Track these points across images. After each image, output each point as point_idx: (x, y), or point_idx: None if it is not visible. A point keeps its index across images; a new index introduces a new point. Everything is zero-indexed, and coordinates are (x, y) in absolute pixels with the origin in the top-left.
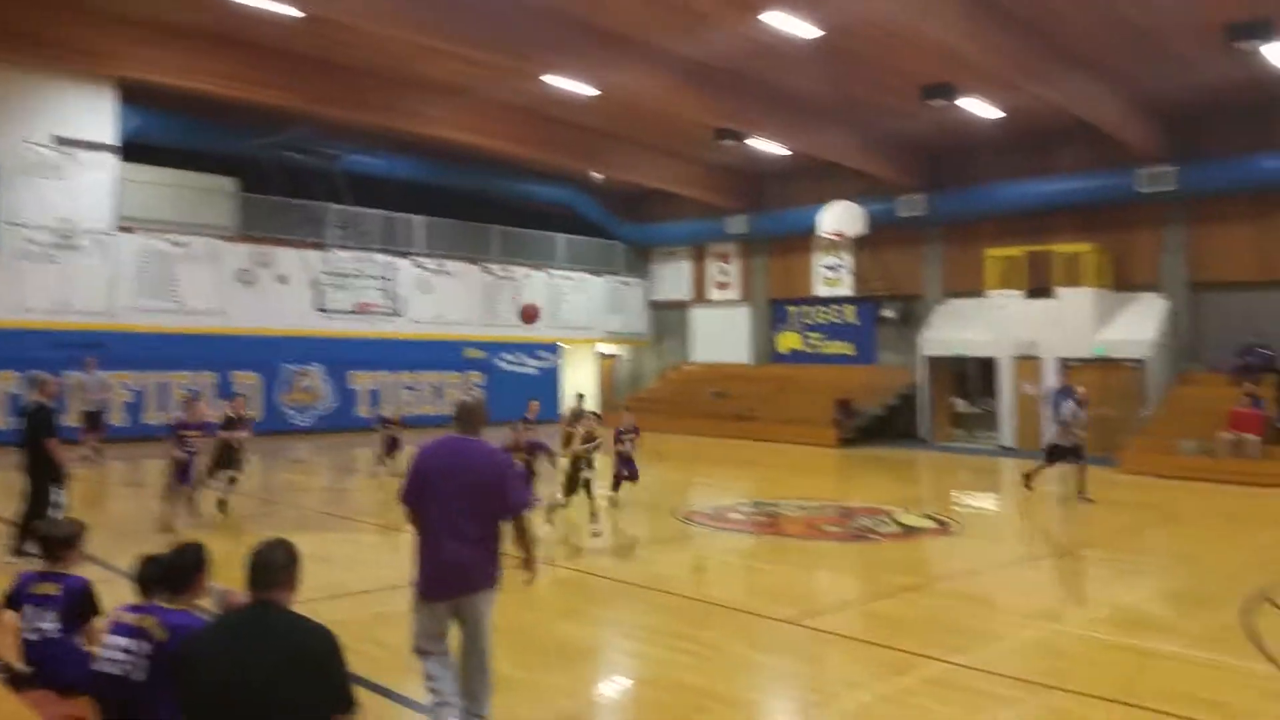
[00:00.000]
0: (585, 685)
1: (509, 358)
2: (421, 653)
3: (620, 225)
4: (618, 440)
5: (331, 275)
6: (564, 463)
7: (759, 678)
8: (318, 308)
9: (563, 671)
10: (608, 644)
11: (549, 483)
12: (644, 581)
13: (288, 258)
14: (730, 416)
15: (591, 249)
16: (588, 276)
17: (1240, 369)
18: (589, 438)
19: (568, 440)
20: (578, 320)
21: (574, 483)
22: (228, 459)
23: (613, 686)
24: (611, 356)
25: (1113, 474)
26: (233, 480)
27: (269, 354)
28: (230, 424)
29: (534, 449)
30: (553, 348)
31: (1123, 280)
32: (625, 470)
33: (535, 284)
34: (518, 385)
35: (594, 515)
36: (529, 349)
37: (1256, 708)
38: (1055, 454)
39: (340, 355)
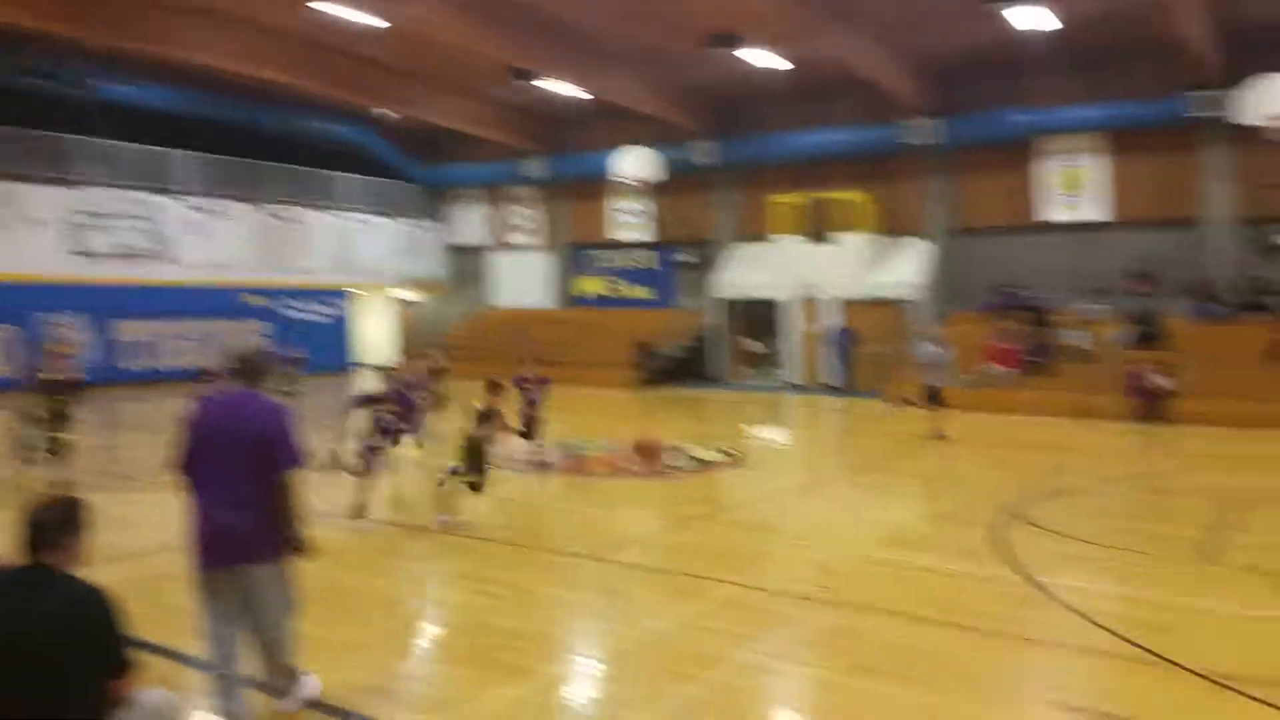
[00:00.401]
0: (387, 636)
1: (294, 305)
2: (207, 625)
3: (414, 166)
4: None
5: (88, 216)
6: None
7: (561, 613)
8: (75, 251)
9: (365, 625)
10: (412, 593)
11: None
12: (448, 529)
13: (35, 196)
14: (534, 361)
15: (384, 190)
16: (380, 219)
17: (995, 308)
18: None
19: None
20: (370, 265)
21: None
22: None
23: (416, 634)
24: (411, 303)
25: (883, 405)
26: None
27: (20, 302)
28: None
29: (402, 400)
30: (342, 294)
31: (894, 226)
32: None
33: (323, 227)
34: (304, 334)
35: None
36: (317, 295)
37: (1005, 612)
38: (934, 396)
39: (104, 303)
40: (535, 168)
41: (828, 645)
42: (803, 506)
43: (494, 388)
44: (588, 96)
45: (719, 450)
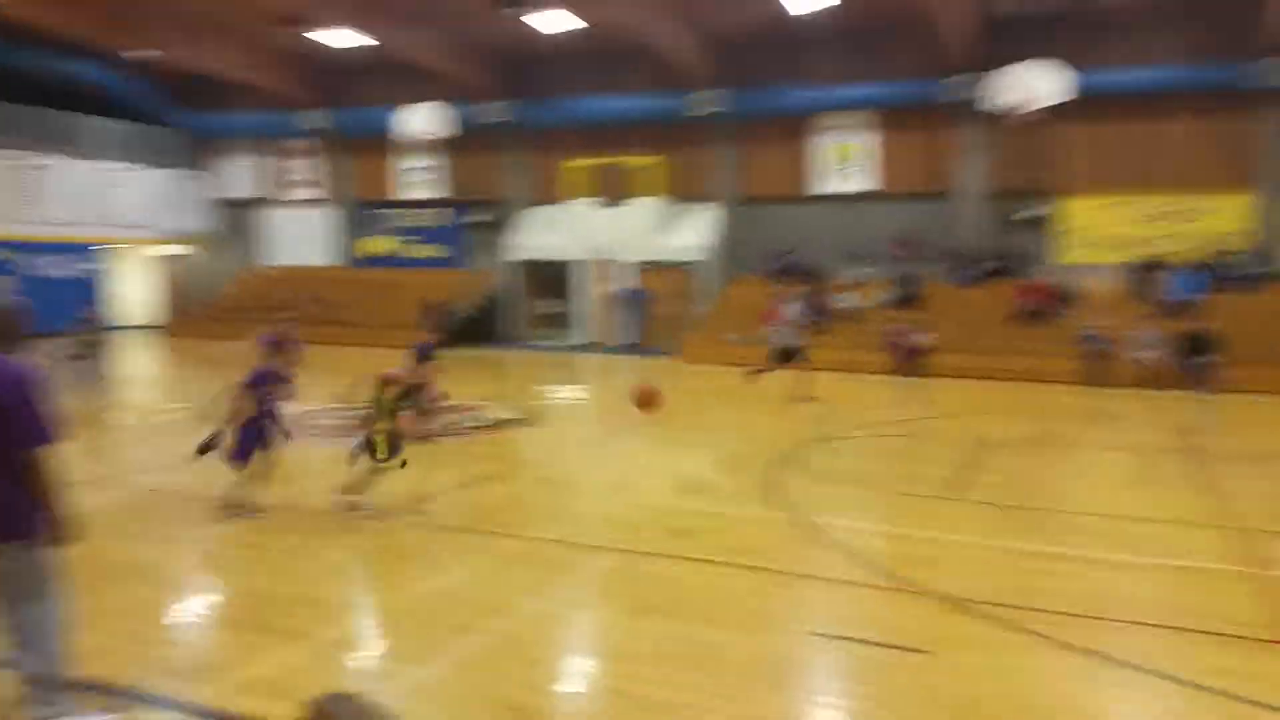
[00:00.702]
0: (148, 604)
1: (42, 260)
2: None
3: (177, 113)
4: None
5: None
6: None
7: (336, 576)
8: None
9: (128, 594)
10: (179, 560)
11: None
12: (352, 512)
13: None
14: (319, 321)
15: (142, 137)
16: (140, 169)
17: (775, 272)
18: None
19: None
20: (128, 218)
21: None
22: None
23: (177, 600)
24: (176, 259)
25: (675, 363)
26: None
27: None
28: None
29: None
30: (96, 248)
31: (683, 192)
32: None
33: (74, 176)
34: (55, 291)
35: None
36: (69, 250)
37: (779, 550)
38: (787, 355)
39: None
40: (314, 120)
41: (612, 589)
42: (595, 461)
43: (421, 355)
44: (374, 43)
45: (513, 410)
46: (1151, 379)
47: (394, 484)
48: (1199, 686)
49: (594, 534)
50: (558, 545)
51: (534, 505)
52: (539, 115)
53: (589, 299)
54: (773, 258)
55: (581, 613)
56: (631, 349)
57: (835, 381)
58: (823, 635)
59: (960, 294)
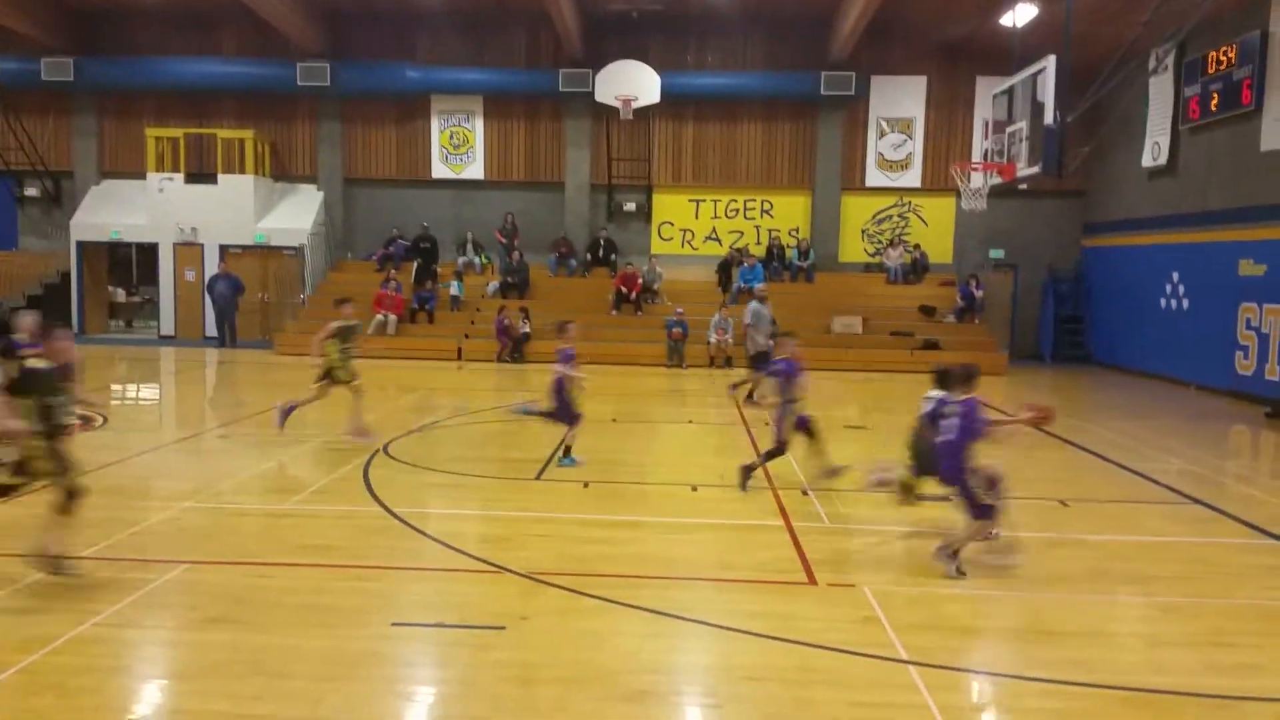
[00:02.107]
0: None
1: None
2: None
3: None
4: None
5: None
6: None
7: None
8: None
9: None
10: None
11: None
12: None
13: None
14: None
15: None
16: None
17: (384, 257)
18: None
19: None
20: None
21: None
22: None
23: None
24: None
25: (270, 355)
26: None
27: None
28: None
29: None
30: None
31: (284, 170)
32: None
33: None
34: None
35: None
36: None
37: (360, 544)
38: (761, 358)
39: None
40: None
41: (174, 604)
42: (166, 464)
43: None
44: None
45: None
46: (722, 359)
47: None
48: (744, 631)
49: (160, 547)
50: (105, 563)
51: (86, 519)
52: (112, 74)
53: (172, 286)
54: (383, 243)
55: (140, 633)
56: (223, 341)
57: (438, 370)
58: (402, 625)
59: (565, 282)
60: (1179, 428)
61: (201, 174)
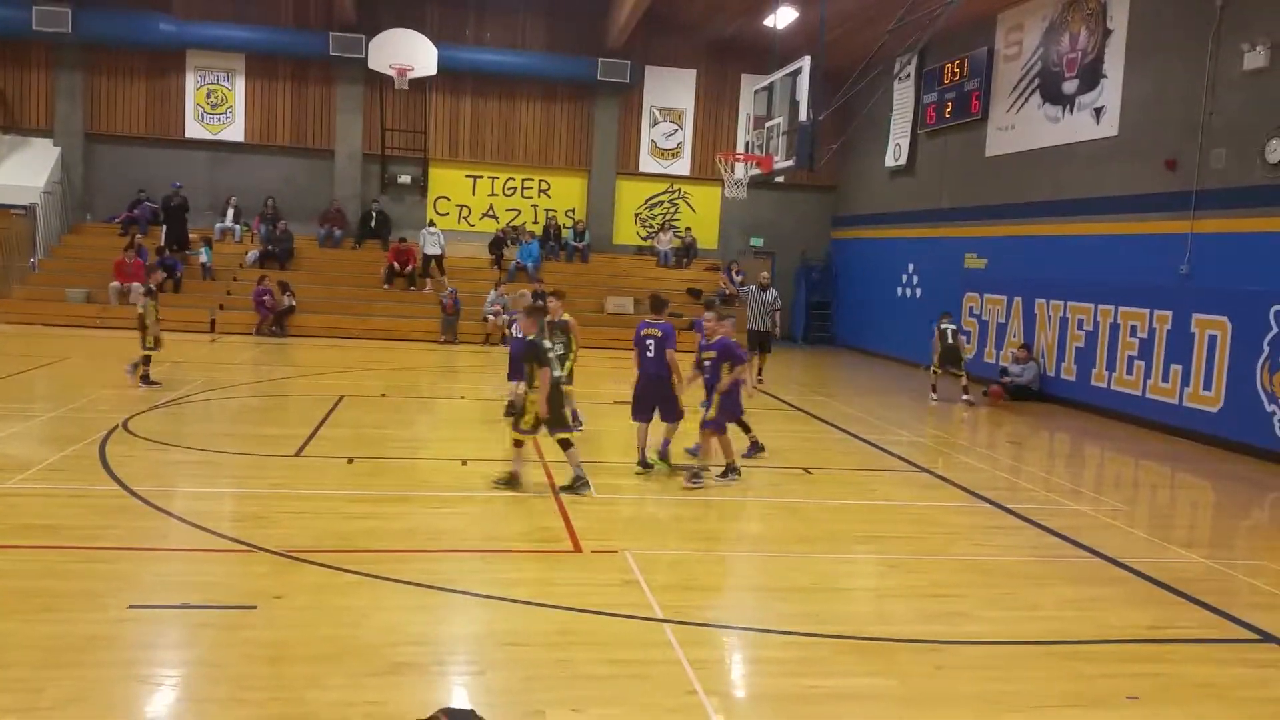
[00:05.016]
0: None
1: None
2: None
3: None
4: None
5: None
6: None
7: None
8: None
9: None
10: None
11: None
12: None
13: None
14: None
15: None
16: None
17: (128, 220)
18: None
19: None
20: None
21: None
22: None
23: None
24: None
25: None
26: None
27: None
28: None
29: None
30: None
31: (14, 121)
32: None
33: None
34: None
35: None
36: None
37: (96, 525)
38: (764, 343)
39: None
40: None
41: None
42: None
43: None
44: None
45: None
46: (495, 336)
47: None
48: (507, 600)
49: None
50: None
51: None
52: None
53: None
54: (129, 206)
55: None
56: None
57: (187, 342)
58: (141, 607)
59: (333, 254)
60: (910, 404)
61: None
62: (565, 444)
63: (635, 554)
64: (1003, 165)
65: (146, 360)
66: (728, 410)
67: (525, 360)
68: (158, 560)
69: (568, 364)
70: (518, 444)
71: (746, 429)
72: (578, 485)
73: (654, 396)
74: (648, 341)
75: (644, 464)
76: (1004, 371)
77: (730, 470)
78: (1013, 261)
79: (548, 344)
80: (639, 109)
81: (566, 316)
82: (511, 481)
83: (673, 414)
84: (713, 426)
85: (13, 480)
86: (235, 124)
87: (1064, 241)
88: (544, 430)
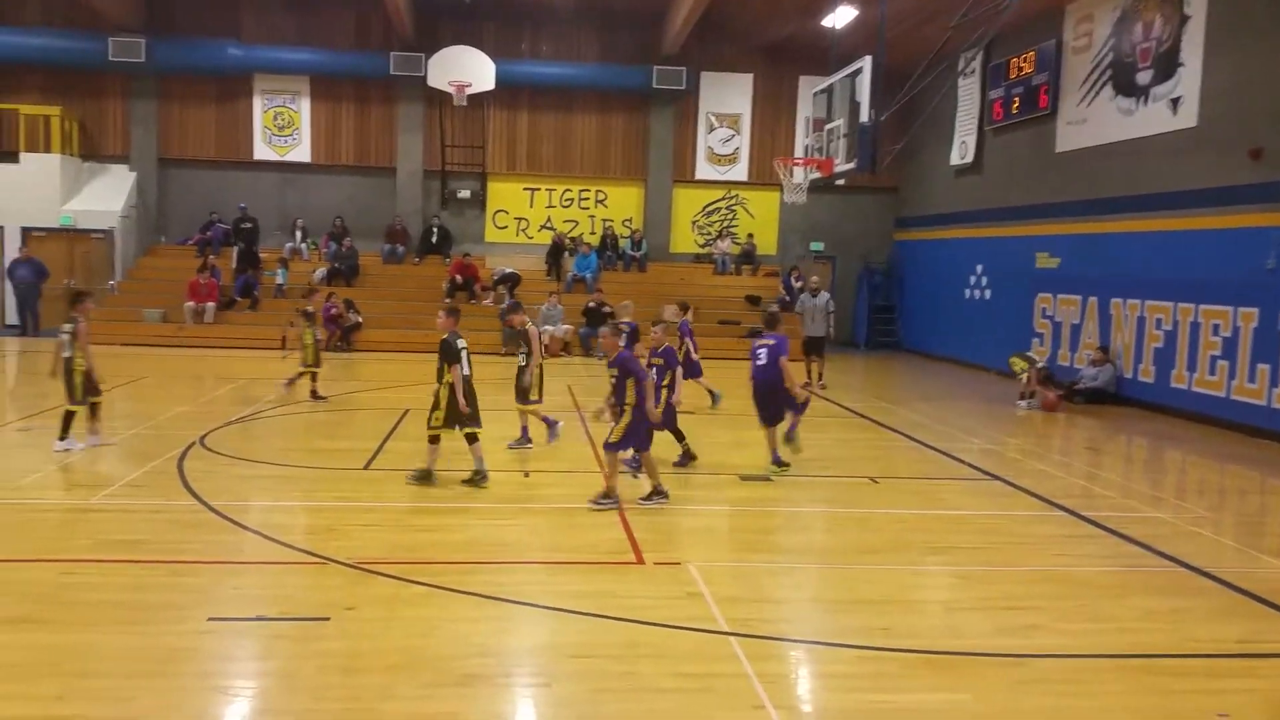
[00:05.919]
0: None
1: None
2: None
3: None
4: None
5: None
6: None
7: None
8: None
9: None
10: None
11: None
12: None
13: None
14: None
15: None
16: None
17: (201, 242)
18: None
19: None
20: None
21: None
22: None
23: None
24: None
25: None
26: None
27: None
28: None
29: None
30: None
31: (93, 149)
32: None
33: None
34: None
35: None
36: None
37: (175, 539)
38: (817, 348)
39: None
40: None
41: None
42: None
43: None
44: None
45: None
46: (558, 348)
47: None
48: (572, 611)
49: None
50: None
51: None
52: None
53: None
54: (201, 228)
55: None
56: (24, 329)
57: (261, 360)
58: (219, 619)
59: (396, 270)
60: (979, 410)
61: (1, 152)
62: (471, 438)
63: (698, 566)
64: (1074, 160)
65: (313, 377)
66: (635, 433)
67: (438, 356)
68: (235, 573)
69: (533, 374)
70: (433, 440)
71: (680, 437)
72: (477, 478)
73: (771, 399)
74: (759, 351)
75: (778, 462)
76: (1073, 382)
77: (656, 493)
78: (1086, 260)
79: (462, 343)
80: (695, 116)
81: (528, 326)
82: (424, 477)
83: (792, 407)
84: (610, 449)
85: (96, 496)
86: (302, 145)
87: (1140, 238)
88: (457, 427)
